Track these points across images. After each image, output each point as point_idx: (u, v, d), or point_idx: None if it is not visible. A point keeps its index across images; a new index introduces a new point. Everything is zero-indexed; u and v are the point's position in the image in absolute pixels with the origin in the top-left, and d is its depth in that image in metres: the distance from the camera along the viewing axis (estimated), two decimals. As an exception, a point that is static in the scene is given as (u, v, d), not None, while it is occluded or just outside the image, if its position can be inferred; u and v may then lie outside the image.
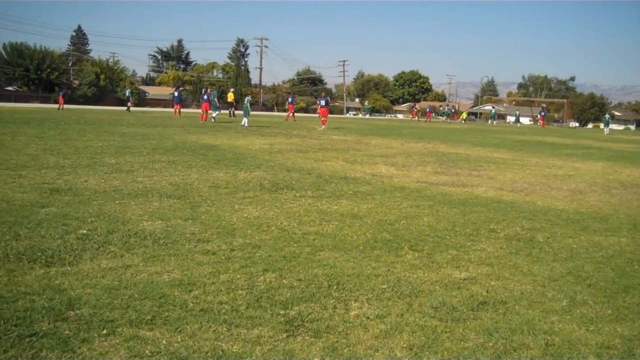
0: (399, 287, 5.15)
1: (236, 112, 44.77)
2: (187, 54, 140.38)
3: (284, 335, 3.98)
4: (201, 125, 28.35)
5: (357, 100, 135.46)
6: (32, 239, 5.93)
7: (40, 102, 62.64)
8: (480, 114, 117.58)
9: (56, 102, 48.84)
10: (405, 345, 3.95)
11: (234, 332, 3.98)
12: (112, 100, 73.73)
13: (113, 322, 3.99)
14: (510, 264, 6.18)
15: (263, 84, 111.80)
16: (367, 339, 4.02)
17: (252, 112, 34.15)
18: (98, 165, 11.59)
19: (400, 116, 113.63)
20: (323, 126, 32.65)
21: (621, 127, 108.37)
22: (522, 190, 11.82)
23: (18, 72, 70.84)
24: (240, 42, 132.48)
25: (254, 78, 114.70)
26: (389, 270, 5.67)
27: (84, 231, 6.34)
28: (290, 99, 50.09)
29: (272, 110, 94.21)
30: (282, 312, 4.39)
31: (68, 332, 3.80)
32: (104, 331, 3.85)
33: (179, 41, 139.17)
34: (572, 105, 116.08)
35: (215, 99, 35.40)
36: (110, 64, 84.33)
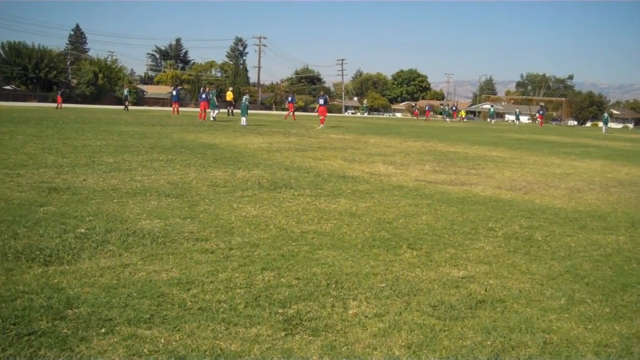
0: (397, 286, 5.16)
1: (234, 110, 44.74)
2: (186, 52, 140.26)
3: (282, 334, 3.99)
4: (199, 124, 28.35)
5: (355, 99, 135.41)
6: (30, 237, 5.93)
7: (39, 101, 62.56)
8: (479, 112, 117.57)
9: (54, 101, 48.77)
10: (403, 344, 3.95)
11: (232, 331, 3.98)
12: (111, 99, 73.66)
13: (111, 321, 3.99)
14: (509, 263, 6.19)
15: (261, 82, 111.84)
16: (365, 338, 4.02)
17: (250, 111, 34.09)
18: (96, 164, 11.59)
19: (398, 115, 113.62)
20: (321, 125, 32.64)
21: (619, 126, 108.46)
22: (520, 189, 11.82)
23: (16, 71, 70.73)
24: (239, 41, 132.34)
25: (253, 77, 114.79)
26: (387, 269, 5.68)
27: (83, 230, 6.34)
28: (290, 98, 50.07)
29: (270, 109, 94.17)
30: (280, 310, 4.40)
31: (66, 331, 3.80)
32: (103, 330, 3.85)
33: (178, 40, 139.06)
34: (571, 104, 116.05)
35: (214, 98, 35.38)
36: (108, 63, 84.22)
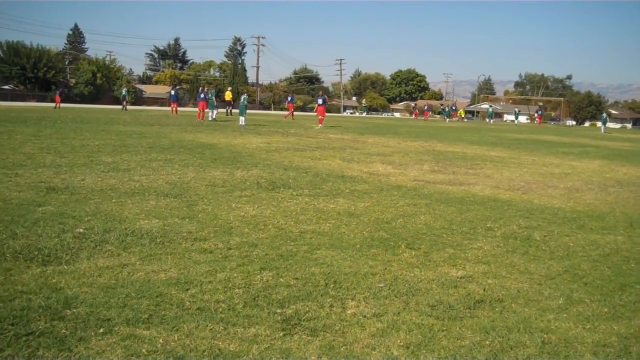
0: (395, 286, 5.16)
1: (233, 110, 44.71)
2: (184, 52, 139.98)
3: (281, 334, 3.99)
4: (198, 124, 28.33)
5: (354, 98, 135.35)
6: (28, 237, 5.92)
7: (37, 101, 62.48)
8: (477, 112, 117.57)
9: (53, 100, 48.71)
10: (402, 344, 3.95)
11: (230, 331, 3.98)
12: (109, 99, 73.58)
13: (110, 321, 3.99)
14: (507, 263, 6.19)
15: (260, 82, 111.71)
16: (363, 338, 4.02)
17: (248, 111, 34.09)
18: (95, 164, 11.58)
19: (397, 115, 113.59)
20: (320, 125, 32.62)
21: (618, 126, 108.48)
22: (518, 189, 11.83)
23: (14, 70, 70.64)
24: (237, 40, 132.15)
25: (251, 77, 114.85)
26: (385, 268, 5.68)
27: (81, 230, 6.33)
28: (289, 98, 50.07)
29: (269, 108, 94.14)
30: (278, 310, 4.40)
31: (65, 331, 3.80)
32: (101, 330, 3.85)
33: (176, 40, 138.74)
34: (569, 104, 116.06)
35: (213, 98, 35.34)
36: (107, 62, 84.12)
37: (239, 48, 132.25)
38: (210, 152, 15.02)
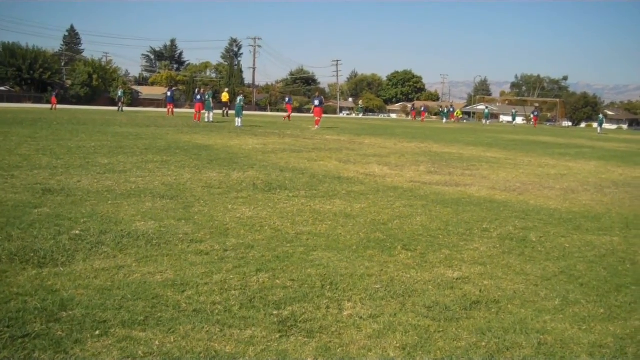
0: (392, 287, 5.16)
1: (229, 112, 44.68)
2: (180, 53, 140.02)
3: (277, 336, 3.98)
4: (194, 125, 28.31)
5: (350, 100, 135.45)
6: (24, 239, 5.91)
7: (33, 103, 62.42)
8: (474, 113, 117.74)
9: (49, 102, 48.66)
10: (398, 345, 3.95)
11: (227, 333, 3.98)
12: (105, 101, 73.53)
13: (106, 323, 3.98)
14: (503, 264, 6.20)
15: (256, 83, 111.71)
16: (360, 339, 4.02)
17: (245, 112, 34.07)
18: (91, 165, 11.56)
19: (393, 116, 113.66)
20: (316, 126, 32.62)
21: (614, 127, 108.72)
22: (515, 190, 11.85)
23: (10, 72, 70.54)
24: (234, 42, 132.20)
25: (247, 78, 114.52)
26: (382, 270, 5.68)
27: (77, 232, 6.32)
28: (287, 99, 50.12)
29: (265, 110, 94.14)
30: (275, 312, 4.39)
31: (61, 333, 3.79)
32: (97, 332, 3.84)
33: (172, 41, 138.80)
34: (565, 105, 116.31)
35: (210, 99, 35.31)
36: (103, 63, 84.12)
37: (235, 49, 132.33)
38: (206, 154, 15.01)
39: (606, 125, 72.28)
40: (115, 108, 49.84)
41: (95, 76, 74.49)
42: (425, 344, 3.99)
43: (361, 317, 4.41)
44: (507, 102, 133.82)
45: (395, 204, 9.32)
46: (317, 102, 34.85)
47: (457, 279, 5.54)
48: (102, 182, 9.65)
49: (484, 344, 4.06)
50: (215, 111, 37.26)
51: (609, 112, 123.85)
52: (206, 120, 33.32)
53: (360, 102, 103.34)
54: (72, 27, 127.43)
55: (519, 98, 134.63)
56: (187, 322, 4.09)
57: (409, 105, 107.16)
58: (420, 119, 74.86)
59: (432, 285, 5.30)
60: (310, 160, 15.02)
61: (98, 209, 7.56)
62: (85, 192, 8.66)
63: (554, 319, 4.64)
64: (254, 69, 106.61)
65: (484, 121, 78.84)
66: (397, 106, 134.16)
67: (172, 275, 5.10)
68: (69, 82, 78.86)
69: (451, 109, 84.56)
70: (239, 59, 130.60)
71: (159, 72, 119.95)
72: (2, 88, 72.59)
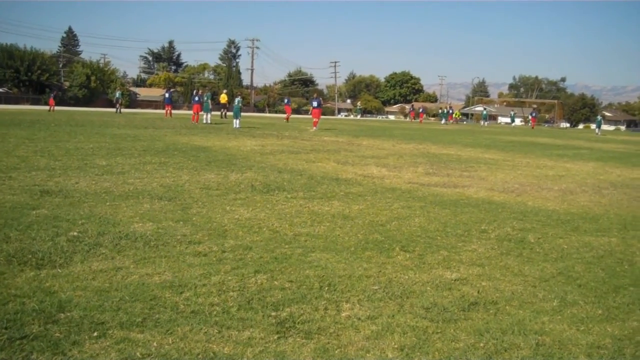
0: (390, 288, 5.16)
1: (228, 113, 44.68)
2: (178, 55, 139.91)
3: (275, 337, 3.98)
4: (192, 127, 28.31)
5: (348, 101, 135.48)
6: (22, 241, 5.90)
7: (31, 104, 62.43)
8: (472, 115, 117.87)
9: (47, 103, 48.65)
10: (396, 346, 3.95)
11: (225, 334, 3.97)
12: (103, 102, 73.52)
13: (104, 325, 3.98)
14: (501, 265, 6.20)
15: (254, 85, 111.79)
16: (358, 340, 4.02)
17: (243, 114, 34.07)
18: (89, 167, 11.56)
19: (391, 117, 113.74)
20: (314, 127, 32.62)
21: (612, 128, 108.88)
22: (513, 191, 11.86)
23: (8, 73, 70.52)
24: (232, 43, 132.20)
25: (245, 79, 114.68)
26: (380, 271, 5.68)
27: (75, 233, 6.32)
28: (286, 100, 50.16)
29: (263, 111, 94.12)
30: (273, 313, 4.39)
31: (58, 335, 3.78)
32: (95, 333, 3.84)
33: (170, 42, 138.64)
34: (563, 106, 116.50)
35: (209, 101, 35.30)
36: (101, 65, 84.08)
37: (233, 51, 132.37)
38: (204, 155, 15.01)
39: (604, 127, 72.36)
40: (113, 110, 49.84)
41: (93, 78, 74.49)
42: (423, 345, 3.99)
43: (359, 318, 4.41)
44: (505, 103, 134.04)
45: (393, 205, 9.32)
46: (315, 104, 34.85)
47: (455, 280, 5.54)
48: (100, 183, 9.65)
49: (482, 345, 4.06)
50: (213, 112, 37.24)
51: (607, 114, 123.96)
52: (204, 121, 33.31)
53: (358, 103, 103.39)
54: (69, 28, 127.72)
55: (516, 99, 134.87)
56: (185, 324, 4.09)
57: (407, 106, 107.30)
58: (418, 120, 74.91)
59: (430, 287, 5.31)
60: (309, 162, 15.03)
61: (96, 211, 7.56)
62: (83, 194, 8.65)
63: (552, 320, 4.64)
64: (252, 70, 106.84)
65: (481, 122, 78.87)
66: (395, 107, 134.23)
67: (170, 277, 5.10)
68: (67, 83, 78.84)
69: (450, 111, 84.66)
70: (237, 60, 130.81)
71: (156, 74, 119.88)
72: (0, 90, 72.55)
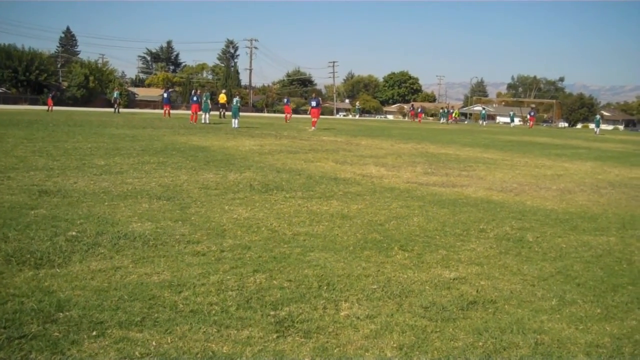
0: (389, 287, 5.16)
1: (226, 113, 44.64)
2: (177, 55, 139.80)
3: (274, 336, 3.98)
4: (191, 127, 28.29)
5: (347, 101, 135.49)
6: (21, 240, 5.90)
7: (29, 104, 62.34)
8: (470, 114, 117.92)
9: (45, 103, 48.58)
10: (395, 345, 3.95)
11: (224, 333, 3.98)
12: (101, 102, 73.37)
13: (102, 324, 3.98)
14: (500, 264, 6.21)
15: (253, 85, 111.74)
16: (357, 339, 4.02)
17: (241, 114, 34.07)
18: (87, 166, 11.55)
19: (390, 117, 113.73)
20: (313, 127, 32.61)
21: (610, 127, 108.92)
22: (511, 190, 11.86)
23: (6, 73, 70.42)
24: (230, 43, 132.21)
25: (244, 79, 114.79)
26: (379, 270, 5.68)
27: (73, 233, 6.31)
28: (286, 100, 50.12)
29: (262, 111, 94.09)
30: (272, 312, 4.39)
31: (57, 334, 3.78)
32: (94, 333, 3.84)
33: (169, 42, 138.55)
34: (561, 106, 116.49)
35: (208, 101, 35.26)
36: (99, 65, 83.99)
37: (232, 51, 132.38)
38: (203, 155, 15.00)
39: (602, 126, 72.38)
40: (112, 110, 49.75)
41: (91, 78, 74.38)
42: (422, 344, 4.00)
43: (358, 318, 4.41)
44: (503, 103, 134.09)
45: (392, 204, 9.32)
46: (314, 104, 34.83)
47: (454, 279, 5.54)
48: (98, 183, 9.64)
49: (480, 344, 4.07)
50: (212, 112, 37.20)
51: (605, 113, 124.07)
52: (203, 121, 33.28)
53: (357, 103, 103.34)
54: (68, 28, 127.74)
55: (515, 99, 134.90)
56: (184, 323, 4.09)
57: (406, 106, 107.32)
58: (417, 120, 74.95)
59: (429, 286, 5.31)
60: (307, 161, 15.02)
61: (94, 210, 7.55)
62: (82, 194, 8.65)
63: (550, 319, 4.64)
64: (251, 70, 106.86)
65: (480, 122, 78.93)
66: (393, 107, 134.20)
67: (169, 276, 5.10)
68: (65, 83, 78.75)
69: (451, 110, 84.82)
70: (236, 60, 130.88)
71: (155, 74, 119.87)
72: (-2, 90, 72.52)
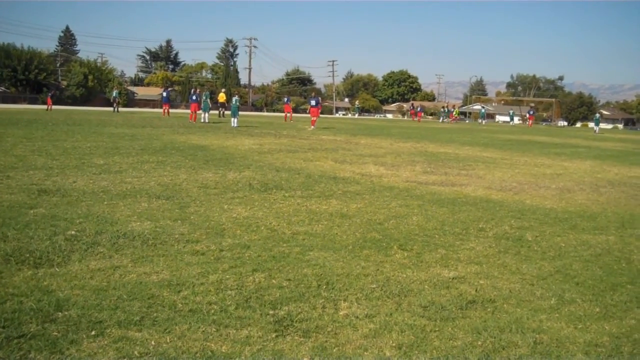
0: (388, 287, 5.17)
1: (226, 112, 44.61)
2: (176, 54, 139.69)
3: (273, 335, 3.98)
4: (190, 126, 28.28)
5: (346, 100, 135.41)
6: (20, 240, 5.90)
7: (28, 103, 62.23)
8: (469, 113, 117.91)
9: (44, 103, 48.53)
10: (394, 345, 3.96)
11: (223, 333, 3.98)
12: (101, 101, 73.28)
13: (102, 323, 3.98)
14: (499, 263, 6.21)
15: (252, 84, 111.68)
16: (356, 339, 4.02)
17: (241, 113, 34.06)
18: (86, 166, 11.54)
19: (389, 116, 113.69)
20: (312, 126, 32.61)
21: (609, 126, 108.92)
22: (510, 189, 11.87)
23: (5, 72, 70.31)
24: (229, 42, 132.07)
25: (243, 78, 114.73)
26: (378, 269, 5.68)
27: (73, 232, 6.31)
28: (286, 99, 50.08)
29: (261, 110, 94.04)
30: (271, 312, 4.39)
31: (56, 334, 3.78)
32: (93, 332, 3.84)
33: (168, 41, 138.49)
34: (561, 105, 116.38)
35: (208, 100, 35.23)
36: (98, 64, 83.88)
37: (231, 50, 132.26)
38: (202, 154, 15.00)
39: (601, 125, 72.36)
40: (111, 109, 49.71)
41: (90, 77, 74.27)
42: (421, 344, 4.00)
43: (357, 317, 4.41)
44: (502, 102, 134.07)
45: (391, 203, 9.32)
46: (313, 103, 34.83)
47: (453, 279, 5.55)
48: (97, 182, 9.64)
49: (479, 343, 4.07)
50: (211, 111, 37.19)
51: (605, 112, 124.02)
52: (202, 120, 33.27)
53: (356, 102, 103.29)
54: (67, 27, 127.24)
55: (514, 98, 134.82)
56: (183, 322, 4.09)
57: (406, 105, 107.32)
58: (417, 119, 74.95)
59: (428, 285, 5.31)
60: (306, 161, 15.02)
61: (94, 210, 7.55)
62: (81, 193, 8.64)
63: (549, 318, 4.65)
64: (250, 69, 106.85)
65: (479, 121, 78.96)
66: (393, 106, 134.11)
67: (168, 276, 5.10)
68: (65, 82, 78.63)
69: (451, 110, 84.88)
70: (235, 59, 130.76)
71: (154, 73, 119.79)
72: (-3, 89, 72.43)
